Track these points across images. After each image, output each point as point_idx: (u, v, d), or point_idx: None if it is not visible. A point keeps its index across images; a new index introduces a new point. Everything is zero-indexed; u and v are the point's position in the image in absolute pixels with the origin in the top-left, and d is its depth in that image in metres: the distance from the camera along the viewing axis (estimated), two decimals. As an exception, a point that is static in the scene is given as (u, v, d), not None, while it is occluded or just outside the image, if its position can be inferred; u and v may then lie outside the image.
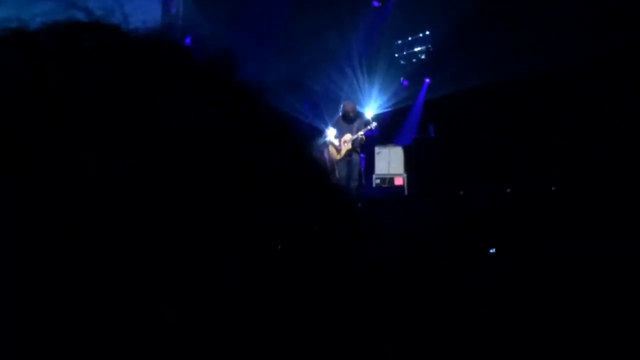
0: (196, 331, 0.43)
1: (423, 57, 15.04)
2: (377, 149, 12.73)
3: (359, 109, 12.26)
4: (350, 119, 11.32)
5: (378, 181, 12.58)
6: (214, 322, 0.43)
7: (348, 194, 0.54)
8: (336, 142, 11.31)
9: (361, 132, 11.21)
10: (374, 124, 11.51)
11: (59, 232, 0.43)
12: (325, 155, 11.54)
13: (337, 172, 11.21)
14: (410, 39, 15.06)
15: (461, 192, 9.78)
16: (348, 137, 11.23)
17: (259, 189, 0.47)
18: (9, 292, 0.42)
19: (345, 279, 0.47)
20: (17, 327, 0.42)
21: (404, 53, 15.31)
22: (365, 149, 12.02)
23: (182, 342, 0.43)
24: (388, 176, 12.60)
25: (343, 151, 11.31)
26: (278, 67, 12.17)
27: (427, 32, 14.74)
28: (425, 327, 0.48)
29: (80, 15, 0.53)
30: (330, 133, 11.41)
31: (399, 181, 12.50)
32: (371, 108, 14.81)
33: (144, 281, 0.43)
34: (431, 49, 14.78)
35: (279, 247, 0.46)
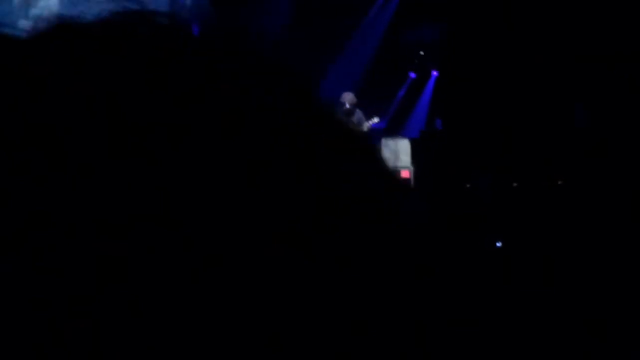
0: (196, 331, 0.42)
1: (432, 49, 15.06)
2: (383, 142, 12.74)
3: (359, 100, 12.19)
4: (350, 111, 11.24)
5: (384, 174, 12.55)
6: (214, 322, 0.42)
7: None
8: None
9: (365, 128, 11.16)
10: (376, 119, 11.48)
11: (61, 232, 0.42)
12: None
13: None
14: (418, 30, 15.07)
15: (467, 186, 9.83)
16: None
17: (262, 186, 0.46)
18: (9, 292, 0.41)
19: (346, 276, 0.46)
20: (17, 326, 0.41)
21: (412, 45, 15.33)
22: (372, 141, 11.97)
23: (182, 342, 0.42)
24: (394, 169, 12.61)
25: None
26: (284, 57, 12.17)
27: (437, 24, 14.75)
28: (427, 325, 0.46)
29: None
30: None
31: (405, 174, 12.52)
32: (377, 100, 14.83)
33: (144, 281, 0.42)
34: (440, 42, 14.80)
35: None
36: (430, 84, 15.04)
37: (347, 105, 11.15)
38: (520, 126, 11.37)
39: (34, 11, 10.57)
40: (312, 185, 0.46)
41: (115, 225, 0.42)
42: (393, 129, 13.84)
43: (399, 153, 12.66)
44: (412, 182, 12.45)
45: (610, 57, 10.32)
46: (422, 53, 15.07)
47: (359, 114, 11.43)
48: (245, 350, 0.42)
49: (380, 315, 0.45)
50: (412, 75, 15.36)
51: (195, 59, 0.47)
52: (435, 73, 14.91)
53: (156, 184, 0.43)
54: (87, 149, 0.43)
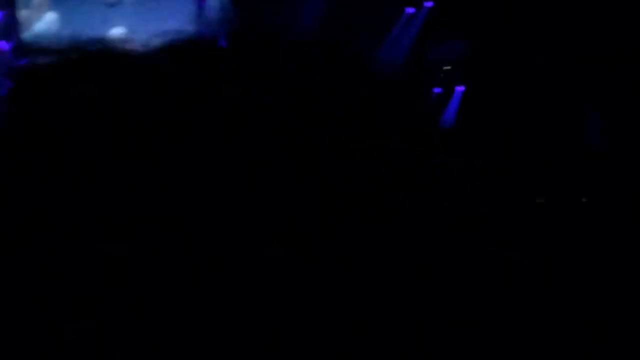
0: (197, 330, 0.42)
1: (458, 65, 14.98)
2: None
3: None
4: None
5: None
6: (215, 321, 0.43)
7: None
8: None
9: None
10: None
11: (63, 233, 0.44)
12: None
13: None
14: (445, 45, 15.01)
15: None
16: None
17: (263, 186, 0.46)
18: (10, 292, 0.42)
19: (346, 276, 0.46)
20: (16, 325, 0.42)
21: (438, 60, 15.25)
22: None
23: (184, 341, 0.42)
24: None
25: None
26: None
27: (463, 39, 14.68)
28: (427, 325, 0.46)
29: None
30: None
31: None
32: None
33: (146, 281, 0.43)
34: (467, 57, 14.72)
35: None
36: (455, 99, 14.96)
37: None
38: (547, 144, 11.27)
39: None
40: (312, 185, 0.46)
41: (117, 225, 0.42)
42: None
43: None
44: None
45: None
46: (447, 68, 14.99)
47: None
48: (245, 350, 0.42)
49: (380, 315, 0.45)
50: (437, 90, 15.29)
51: (196, 60, 0.48)
52: (460, 88, 14.83)
53: (157, 185, 0.43)
54: (90, 150, 0.43)
